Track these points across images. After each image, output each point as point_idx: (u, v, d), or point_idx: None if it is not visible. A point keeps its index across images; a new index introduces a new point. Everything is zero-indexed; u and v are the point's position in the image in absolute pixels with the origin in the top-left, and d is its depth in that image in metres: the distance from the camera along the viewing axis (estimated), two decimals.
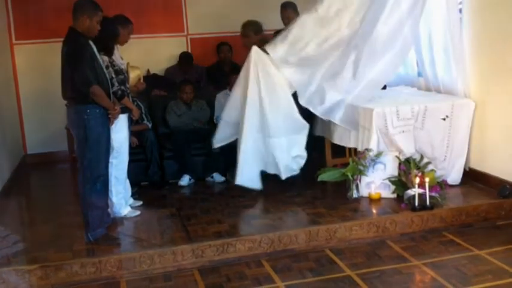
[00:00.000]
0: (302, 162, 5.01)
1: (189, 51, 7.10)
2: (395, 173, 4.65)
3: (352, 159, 4.75)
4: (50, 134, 6.70)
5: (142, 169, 5.41)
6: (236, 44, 6.64)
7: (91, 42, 3.95)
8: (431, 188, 4.35)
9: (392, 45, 4.81)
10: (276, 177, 5.31)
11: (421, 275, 3.59)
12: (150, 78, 6.46)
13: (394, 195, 4.64)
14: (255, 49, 4.93)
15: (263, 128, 4.90)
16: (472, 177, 4.91)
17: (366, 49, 4.83)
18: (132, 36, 4.77)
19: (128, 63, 4.73)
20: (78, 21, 3.87)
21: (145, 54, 6.71)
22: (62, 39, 3.95)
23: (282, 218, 4.40)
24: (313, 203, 4.71)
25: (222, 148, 5.37)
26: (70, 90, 3.91)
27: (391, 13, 4.77)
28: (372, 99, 4.90)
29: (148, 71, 6.70)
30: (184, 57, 6.88)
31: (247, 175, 4.93)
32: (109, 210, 4.31)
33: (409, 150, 4.72)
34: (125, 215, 4.52)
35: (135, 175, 5.03)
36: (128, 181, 4.68)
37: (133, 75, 4.89)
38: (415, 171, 4.46)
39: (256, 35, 5.42)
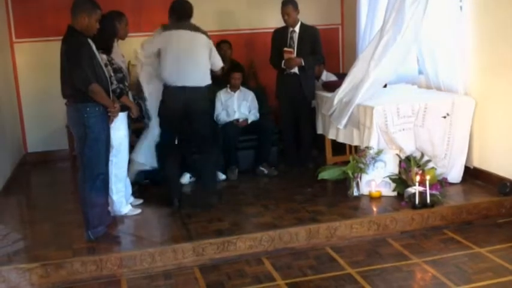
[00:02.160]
0: None
1: None
2: (396, 171, 4.65)
3: (352, 157, 4.75)
4: (51, 133, 6.69)
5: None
6: (236, 41, 6.64)
7: (90, 41, 3.94)
8: (431, 186, 4.34)
9: (395, 44, 4.81)
10: (276, 175, 5.34)
11: (421, 272, 3.59)
12: None
13: (395, 193, 4.64)
14: None
15: None
16: (473, 175, 4.91)
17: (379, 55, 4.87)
18: (132, 34, 4.74)
19: (129, 62, 4.73)
20: (77, 19, 3.85)
21: None
22: (62, 37, 3.94)
23: (283, 216, 4.39)
24: (313, 200, 4.71)
25: (222, 147, 5.38)
26: (69, 89, 3.89)
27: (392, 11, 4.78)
28: (372, 97, 4.89)
29: None
30: None
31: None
32: (109, 208, 4.32)
33: (409, 148, 4.72)
34: (126, 214, 4.52)
35: (135, 173, 5.02)
36: (128, 179, 4.68)
37: (135, 73, 4.87)
38: (415, 169, 4.46)
39: None
